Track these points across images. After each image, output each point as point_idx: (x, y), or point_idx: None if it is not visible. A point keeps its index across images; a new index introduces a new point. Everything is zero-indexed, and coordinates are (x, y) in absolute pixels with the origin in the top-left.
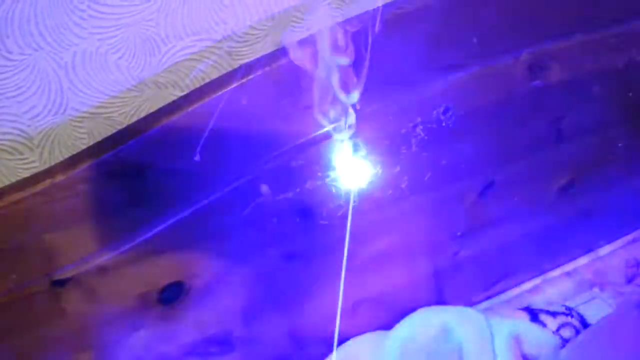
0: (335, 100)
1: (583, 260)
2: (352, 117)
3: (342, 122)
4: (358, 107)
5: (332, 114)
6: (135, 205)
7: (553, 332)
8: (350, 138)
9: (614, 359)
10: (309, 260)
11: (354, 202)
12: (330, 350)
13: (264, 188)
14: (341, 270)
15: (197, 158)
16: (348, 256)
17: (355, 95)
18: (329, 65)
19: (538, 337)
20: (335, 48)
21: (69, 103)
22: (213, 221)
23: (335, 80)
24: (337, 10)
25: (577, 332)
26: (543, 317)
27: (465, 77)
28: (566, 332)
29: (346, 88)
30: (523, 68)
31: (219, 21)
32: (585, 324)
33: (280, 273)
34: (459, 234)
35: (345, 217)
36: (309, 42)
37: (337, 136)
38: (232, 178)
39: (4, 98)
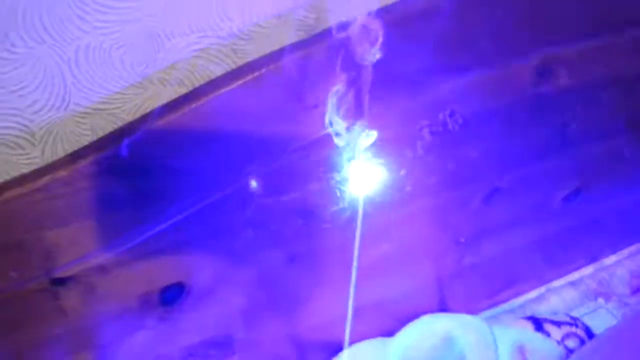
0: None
1: (588, 270)
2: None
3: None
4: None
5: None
6: (137, 203)
7: (557, 342)
8: (355, 139)
9: None
10: (311, 263)
11: (357, 205)
12: (331, 355)
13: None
14: (343, 273)
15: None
16: (351, 261)
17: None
18: (335, 65)
19: (542, 346)
20: (341, 49)
21: (71, 98)
22: (215, 221)
23: (344, 83)
24: (344, 9)
25: (582, 342)
26: (547, 326)
27: (472, 81)
28: (571, 343)
29: (355, 91)
30: (531, 72)
31: (225, 18)
32: (590, 335)
33: (282, 275)
34: (462, 240)
35: (347, 220)
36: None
37: (344, 139)
38: (234, 178)
39: (6, 92)
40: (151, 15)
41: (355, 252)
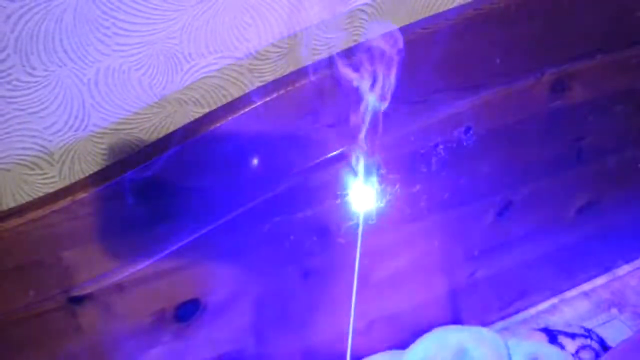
0: (356, 118)
1: (601, 281)
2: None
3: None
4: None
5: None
6: (154, 222)
7: (572, 355)
8: (370, 157)
9: None
10: (326, 278)
11: (372, 220)
12: None
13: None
14: (356, 288)
15: None
16: (365, 274)
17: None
18: (351, 84)
19: (556, 359)
20: (356, 68)
21: (90, 119)
22: (231, 238)
23: (357, 100)
24: (359, 29)
25: (597, 355)
26: (562, 338)
27: (487, 97)
28: (585, 355)
29: (368, 108)
30: (545, 88)
31: (242, 39)
32: (604, 347)
33: (296, 291)
34: (476, 253)
35: (363, 235)
36: (333, 60)
37: (356, 156)
38: (251, 196)
39: (26, 114)
40: (170, 38)
41: (356, 267)
